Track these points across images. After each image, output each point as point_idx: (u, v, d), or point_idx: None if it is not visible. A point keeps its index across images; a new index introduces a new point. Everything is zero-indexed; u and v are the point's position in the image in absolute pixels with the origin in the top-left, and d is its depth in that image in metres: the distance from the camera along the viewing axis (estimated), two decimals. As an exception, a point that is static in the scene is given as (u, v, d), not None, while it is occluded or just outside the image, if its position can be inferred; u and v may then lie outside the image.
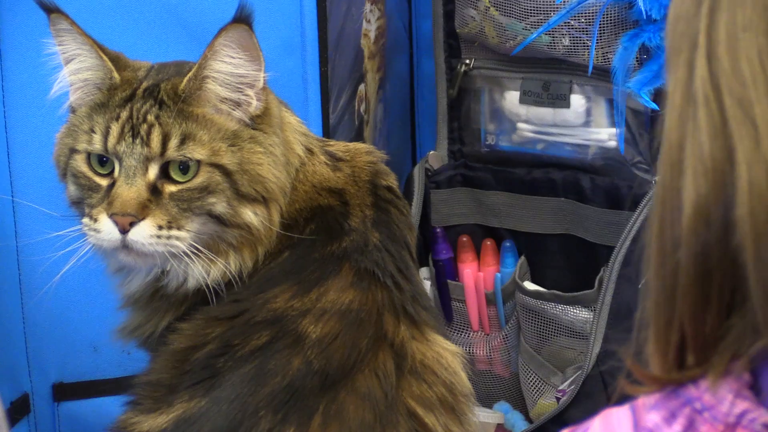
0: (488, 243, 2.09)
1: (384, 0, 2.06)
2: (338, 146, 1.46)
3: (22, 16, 1.62)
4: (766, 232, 0.71)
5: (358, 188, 1.39)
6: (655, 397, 0.80)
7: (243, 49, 1.27)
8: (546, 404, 1.95)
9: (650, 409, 0.80)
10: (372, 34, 2.04)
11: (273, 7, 1.72)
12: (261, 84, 1.30)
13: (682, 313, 0.77)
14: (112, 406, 1.72)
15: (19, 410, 1.72)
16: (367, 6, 2.00)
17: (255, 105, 1.31)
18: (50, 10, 1.30)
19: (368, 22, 2.02)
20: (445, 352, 1.32)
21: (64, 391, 1.78)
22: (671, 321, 0.78)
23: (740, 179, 0.72)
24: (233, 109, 1.30)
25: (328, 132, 1.82)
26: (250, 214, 1.30)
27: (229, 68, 1.28)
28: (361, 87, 2.01)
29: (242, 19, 1.25)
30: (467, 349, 2.05)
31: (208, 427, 1.22)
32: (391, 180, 1.44)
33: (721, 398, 0.76)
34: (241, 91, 1.29)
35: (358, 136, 1.99)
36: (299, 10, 1.76)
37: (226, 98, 1.29)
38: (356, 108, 1.98)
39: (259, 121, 1.32)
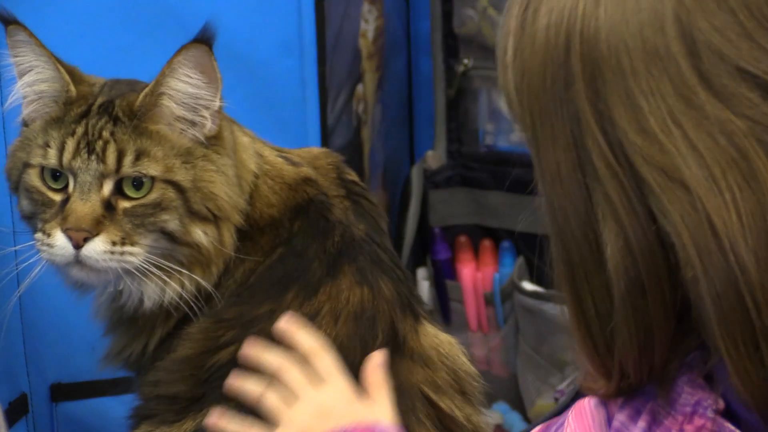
0: (486, 243, 2.09)
1: (382, 0, 2.06)
2: (293, 152, 1.45)
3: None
4: (724, 290, 0.73)
5: (329, 181, 1.39)
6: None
7: (201, 69, 1.27)
8: (544, 404, 1.95)
9: (619, 407, 0.83)
10: (370, 34, 2.04)
11: (271, 7, 1.72)
12: (216, 106, 1.30)
13: (623, 348, 0.80)
14: (110, 406, 1.72)
15: (17, 410, 1.71)
16: (365, 6, 2.01)
17: (209, 127, 1.30)
18: (8, 21, 1.29)
19: (366, 22, 2.02)
20: (445, 341, 1.33)
21: (62, 392, 1.77)
22: (611, 352, 0.82)
23: (684, 243, 0.74)
24: (187, 128, 1.30)
25: (326, 132, 1.82)
26: (200, 234, 1.30)
27: (185, 87, 1.28)
28: (359, 87, 2.01)
29: (203, 39, 1.24)
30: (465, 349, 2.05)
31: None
32: (354, 175, 1.44)
33: (679, 391, 0.79)
34: (196, 112, 1.29)
35: (356, 137, 1.99)
36: (297, 10, 1.76)
37: (181, 117, 1.29)
38: (354, 108, 1.98)
39: (213, 142, 1.32)
